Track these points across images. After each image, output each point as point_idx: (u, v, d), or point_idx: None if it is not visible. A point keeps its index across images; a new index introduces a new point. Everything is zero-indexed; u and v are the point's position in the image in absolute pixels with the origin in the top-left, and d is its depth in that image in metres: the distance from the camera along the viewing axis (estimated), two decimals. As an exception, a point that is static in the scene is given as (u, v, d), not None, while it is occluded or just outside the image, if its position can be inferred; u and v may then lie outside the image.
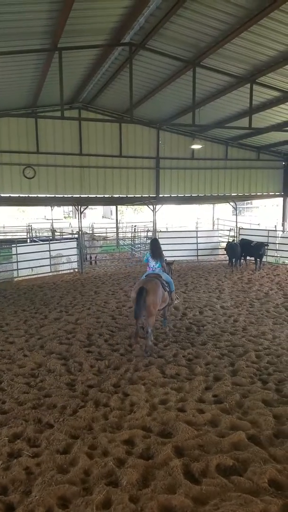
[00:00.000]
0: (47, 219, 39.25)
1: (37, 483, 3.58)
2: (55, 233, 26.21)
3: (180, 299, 10.22)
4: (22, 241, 21.90)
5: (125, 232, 28.89)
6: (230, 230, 22.50)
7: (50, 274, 15.04)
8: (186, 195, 19.95)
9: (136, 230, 24.09)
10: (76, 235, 17.03)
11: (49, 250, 15.05)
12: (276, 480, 3.58)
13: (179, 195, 19.83)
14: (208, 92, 13.42)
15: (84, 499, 3.37)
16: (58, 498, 3.42)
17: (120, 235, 26.81)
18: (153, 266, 7.73)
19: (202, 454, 3.96)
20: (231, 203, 20.41)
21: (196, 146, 16.78)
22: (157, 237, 16.53)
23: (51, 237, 24.56)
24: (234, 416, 4.70)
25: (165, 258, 8.07)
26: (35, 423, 4.65)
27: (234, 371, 6.08)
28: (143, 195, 19.20)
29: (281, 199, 22.23)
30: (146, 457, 3.98)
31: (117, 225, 26.92)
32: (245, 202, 41.96)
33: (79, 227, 19.80)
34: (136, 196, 19.11)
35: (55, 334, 8.01)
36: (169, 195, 19.61)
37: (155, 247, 7.75)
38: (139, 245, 22.15)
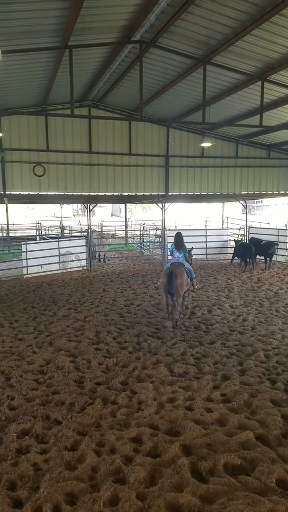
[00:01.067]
0: (57, 217, 39.49)
1: (45, 479, 3.61)
2: (64, 230, 26.35)
3: (199, 285, 11.77)
4: (32, 239, 22.05)
5: (134, 230, 28.91)
6: (239, 229, 22.36)
7: (59, 271, 15.13)
8: (195, 193, 19.90)
9: (145, 228, 24.10)
10: (85, 233, 17.09)
11: (58, 248, 15.12)
12: (284, 480, 3.56)
13: (188, 194, 19.80)
14: (218, 90, 13.35)
15: (92, 496, 3.39)
16: (66, 494, 3.44)
17: (129, 233, 26.84)
18: (177, 256, 8.93)
19: (209, 453, 3.95)
20: (241, 202, 20.28)
21: (206, 144, 16.69)
22: (166, 235, 16.50)
23: (60, 234, 24.70)
24: (242, 415, 4.68)
25: (186, 248, 9.34)
26: (44, 420, 4.68)
27: (243, 371, 6.04)
28: (152, 193, 19.20)
29: (291, 197, 22.01)
30: (154, 455, 3.99)
31: (126, 223, 26.95)
32: (255, 200, 41.68)
33: (88, 225, 19.86)
34: (145, 194, 19.12)
35: (63, 331, 8.06)
36: (178, 193, 19.59)
37: (179, 240, 9.06)
38: (147, 243, 22.13)
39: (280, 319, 8.75)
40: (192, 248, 10.39)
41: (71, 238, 18.19)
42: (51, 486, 3.48)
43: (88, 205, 20.34)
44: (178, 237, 9.11)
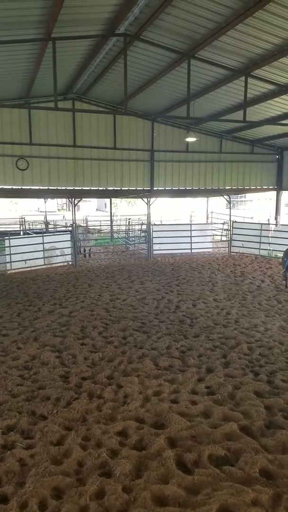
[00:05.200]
0: (41, 212, 39.02)
1: (30, 474, 3.61)
2: (49, 225, 26.08)
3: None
4: (15, 234, 21.75)
5: (119, 225, 28.83)
6: (223, 224, 22.56)
7: (44, 266, 14.99)
8: (180, 188, 19.93)
9: (130, 223, 24.06)
10: (70, 228, 16.96)
11: (43, 243, 14.98)
12: (267, 470, 3.65)
13: (173, 188, 19.82)
14: (203, 85, 13.36)
15: (78, 489, 3.41)
16: (52, 489, 3.45)
17: (114, 228, 26.74)
18: None
19: (194, 444, 4.02)
20: (225, 197, 20.42)
21: (190, 139, 16.73)
22: (152, 229, 16.54)
23: (44, 229, 24.43)
24: (226, 407, 4.77)
25: None
26: (29, 415, 4.67)
27: (227, 363, 6.14)
28: (137, 188, 19.15)
29: (274, 192, 22.30)
30: (140, 448, 4.03)
31: (111, 218, 26.84)
32: (239, 195, 42.04)
33: (73, 220, 19.69)
34: (130, 189, 19.05)
35: (49, 326, 8.01)
36: (163, 188, 19.59)
37: None
38: (133, 238, 22.13)
39: (263, 312, 8.90)
40: None
41: (55, 233, 18.02)
42: (37, 481, 3.48)
43: (73, 199, 20.15)
44: None
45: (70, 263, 15.81)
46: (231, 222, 18.48)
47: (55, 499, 3.35)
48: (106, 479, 3.53)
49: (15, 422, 4.49)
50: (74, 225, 16.85)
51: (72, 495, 3.36)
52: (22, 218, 28.89)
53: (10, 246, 14.20)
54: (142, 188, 19.23)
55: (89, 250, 18.37)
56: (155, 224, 18.78)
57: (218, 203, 38.69)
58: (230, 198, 20.22)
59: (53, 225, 27.37)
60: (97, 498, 3.33)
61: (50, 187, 17.69)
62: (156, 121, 18.69)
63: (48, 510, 3.22)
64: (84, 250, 18.02)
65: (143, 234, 20.97)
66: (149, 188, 19.25)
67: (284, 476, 3.55)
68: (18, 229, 26.89)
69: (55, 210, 47.37)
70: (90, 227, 23.06)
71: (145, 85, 13.94)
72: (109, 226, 26.11)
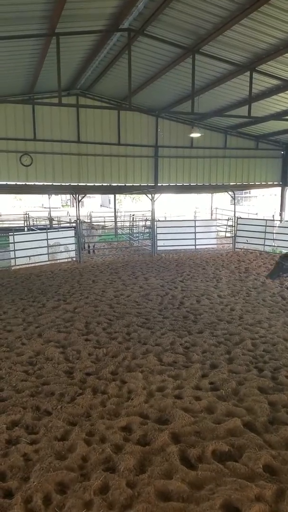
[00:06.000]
0: (45, 208, 39.07)
1: (35, 469, 3.63)
2: (53, 221, 26.09)
3: None
4: (20, 230, 21.78)
5: (124, 221, 28.81)
6: (228, 220, 22.47)
7: (48, 263, 15.03)
8: (184, 184, 19.87)
9: (134, 219, 24.03)
10: (74, 224, 16.97)
11: (47, 239, 15.00)
12: (270, 465, 3.65)
13: (177, 184, 19.76)
14: (207, 80, 13.27)
15: (82, 484, 3.42)
16: (56, 484, 3.47)
17: (119, 224, 26.72)
18: None
19: (198, 440, 4.02)
20: (230, 193, 20.35)
21: (195, 135, 16.65)
22: (156, 226, 16.49)
23: (48, 225, 24.45)
24: (230, 403, 4.77)
25: None
26: (33, 411, 4.70)
27: (231, 359, 6.14)
28: (141, 184, 19.12)
29: (279, 188, 22.18)
30: (143, 443, 4.04)
31: (115, 214, 26.82)
32: (243, 191, 41.85)
33: (77, 216, 19.69)
34: (134, 185, 19.03)
35: (53, 322, 8.04)
36: (167, 184, 19.54)
37: None
38: (137, 234, 22.11)
39: (267, 308, 8.88)
40: None
41: (60, 229, 18.04)
42: (42, 476, 3.51)
43: (77, 195, 20.16)
44: None
45: (74, 259, 15.83)
46: (236, 218, 18.40)
47: (60, 494, 3.37)
48: (110, 474, 3.54)
49: (19, 418, 4.52)
50: (78, 221, 16.85)
51: (76, 490, 3.38)
52: (26, 214, 28.91)
53: (14, 242, 14.24)
54: (146, 184, 19.20)
55: (93, 246, 18.38)
56: (159, 220, 18.77)
57: (222, 199, 38.55)
58: (234, 194, 20.15)
59: (57, 221, 27.38)
60: (101, 493, 3.35)
61: (54, 183, 17.71)
62: (161, 117, 18.62)
63: (53, 504, 3.24)
64: (88, 246, 18.03)
65: (147, 230, 20.96)
66: (153, 184, 19.21)
67: (287, 471, 3.55)
68: (22, 225, 26.93)
69: (59, 206, 47.39)
70: (94, 223, 23.04)
71: (150, 80, 13.88)
72: (113, 222, 26.10)
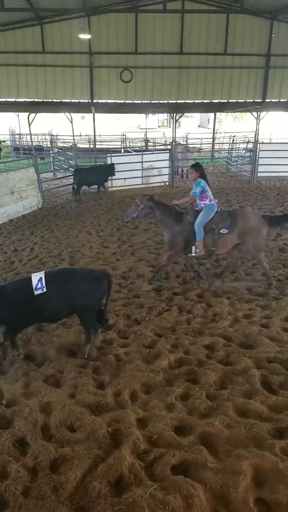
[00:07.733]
0: (141, 128, 38.50)
1: (124, 369, 4.03)
2: (148, 143, 25.72)
3: None
4: (117, 151, 21.99)
5: (222, 143, 27.08)
6: None
7: (142, 186, 15.13)
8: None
9: (234, 141, 22.31)
10: (169, 146, 16.48)
11: (142, 162, 14.93)
12: None
13: (290, 100, 17.50)
14: None
15: (165, 389, 3.72)
16: (142, 384, 3.83)
17: (216, 146, 25.19)
18: None
19: (282, 370, 3.98)
20: None
21: None
22: (258, 149, 15.17)
23: (144, 147, 24.23)
24: None
25: None
26: (125, 319, 5.13)
27: None
28: (246, 100, 17.35)
29: None
30: (225, 363, 4.16)
31: (213, 135, 25.26)
32: None
33: (172, 137, 19.05)
34: (238, 101, 17.36)
35: (144, 243, 8.31)
36: (277, 100, 17.39)
37: None
38: (236, 159, 20.72)
39: None
40: None
41: (154, 152, 17.75)
42: (130, 376, 3.88)
43: (174, 114, 19.26)
44: None
45: (167, 183, 15.66)
46: None
47: (144, 394, 3.72)
48: (191, 384, 3.77)
49: (112, 323, 4.96)
50: (173, 143, 16.30)
51: (160, 392, 3.69)
52: (123, 135, 28.90)
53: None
54: (252, 100, 17.37)
55: (187, 171, 17.85)
56: (263, 143, 17.15)
57: None
58: None
59: (153, 143, 26.91)
60: (182, 399, 3.61)
61: (152, 101, 17.08)
62: (277, 19, 16.01)
63: (138, 401, 3.60)
64: (182, 171, 17.58)
65: (248, 154, 19.48)
66: (260, 100, 17.28)
67: None
68: (119, 146, 27.12)
69: (155, 127, 46.27)
70: (190, 146, 22.08)
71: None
72: (211, 145, 24.73)
